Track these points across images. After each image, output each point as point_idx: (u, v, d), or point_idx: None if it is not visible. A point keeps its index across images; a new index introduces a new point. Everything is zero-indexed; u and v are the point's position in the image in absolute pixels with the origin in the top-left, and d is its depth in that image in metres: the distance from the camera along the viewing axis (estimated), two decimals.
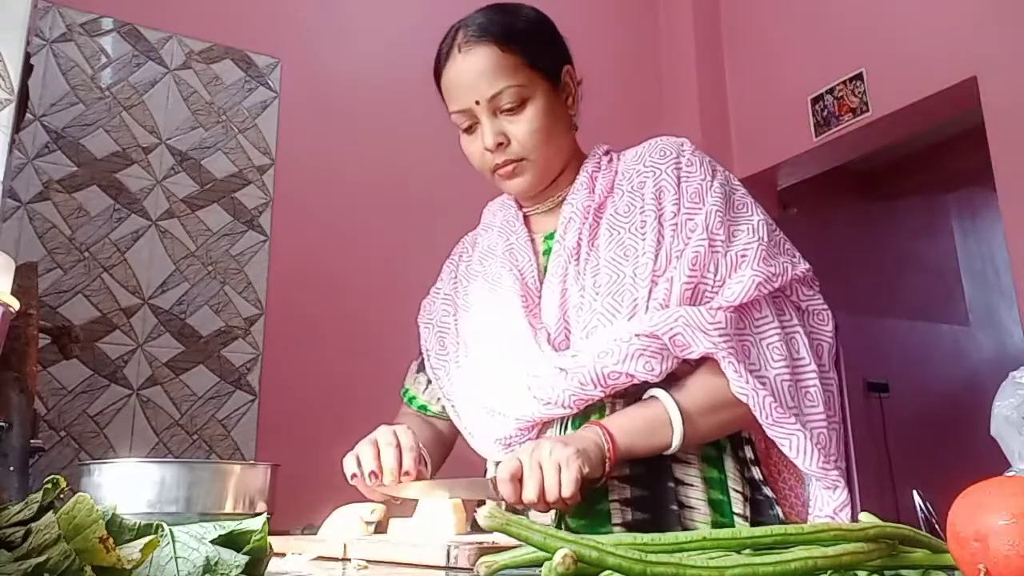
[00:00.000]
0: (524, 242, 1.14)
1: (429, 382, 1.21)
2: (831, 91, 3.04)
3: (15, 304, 0.60)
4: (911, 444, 4.71)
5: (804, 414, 0.98)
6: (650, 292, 1.00)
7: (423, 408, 1.23)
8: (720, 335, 0.95)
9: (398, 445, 0.95)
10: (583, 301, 1.03)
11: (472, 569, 0.61)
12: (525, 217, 1.18)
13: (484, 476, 1.19)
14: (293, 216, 2.56)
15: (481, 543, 0.65)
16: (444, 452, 1.19)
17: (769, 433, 0.97)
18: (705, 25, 3.49)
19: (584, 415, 1.02)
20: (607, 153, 1.15)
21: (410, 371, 1.28)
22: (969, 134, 2.83)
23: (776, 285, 1.01)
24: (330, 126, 2.69)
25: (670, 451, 0.95)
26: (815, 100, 3.10)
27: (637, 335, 0.96)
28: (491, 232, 1.20)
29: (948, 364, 5.23)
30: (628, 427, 0.93)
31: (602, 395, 0.99)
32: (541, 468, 0.85)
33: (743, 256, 1.01)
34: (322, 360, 2.48)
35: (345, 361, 2.51)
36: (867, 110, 2.91)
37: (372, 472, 0.94)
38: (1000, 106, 2.53)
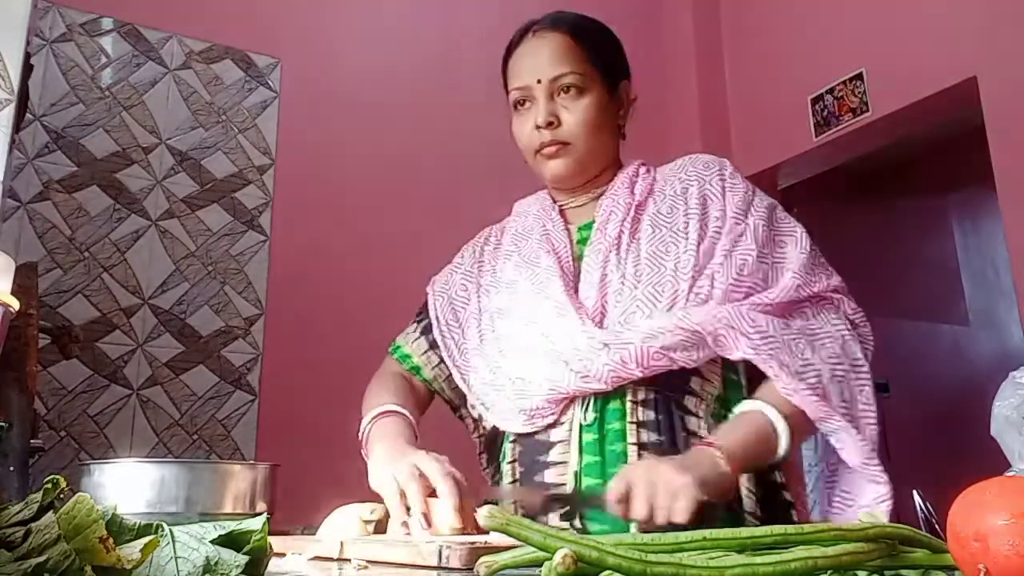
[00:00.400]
0: (560, 229, 1.18)
1: (431, 347, 1.23)
2: (831, 91, 3.04)
3: (15, 304, 0.60)
4: (911, 444, 4.71)
5: (857, 411, 1.02)
6: (690, 286, 1.04)
7: (415, 369, 1.24)
8: (761, 338, 1.00)
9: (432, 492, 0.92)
10: (623, 288, 1.06)
11: (464, 569, 0.61)
12: (560, 209, 1.22)
13: (485, 464, 1.19)
14: (293, 216, 2.56)
15: (473, 543, 0.65)
16: (419, 416, 1.19)
17: (820, 428, 1.01)
18: (705, 25, 3.49)
19: (605, 396, 1.04)
20: (643, 165, 1.21)
21: (407, 331, 1.29)
22: (969, 134, 2.83)
23: (814, 290, 1.06)
24: (330, 126, 2.69)
25: (777, 460, 0.99)
26: (815, 100, 3.10)
27: (681, 328, 1.00)
28: (526, 218, 1.24)
29: (948, 364, 5.23)
30: (743, 442, 0.95)
31: (640, 375, 1.01)
32: (655, 489, 0.85)
33: (787, 265, 1.08)
34: (322, 360, 2.48)
35: (345, 361, 2.51)
36: (867, 110, 2.91)
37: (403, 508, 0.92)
38: (1000, 106, 2.53)
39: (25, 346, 1.02)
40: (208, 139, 2.50)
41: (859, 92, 2.93)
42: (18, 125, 1.28)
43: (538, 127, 1.11)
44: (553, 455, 1.05)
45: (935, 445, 4.54)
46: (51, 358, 2.00)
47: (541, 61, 1.11)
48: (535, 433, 1.07)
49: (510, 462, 1.10)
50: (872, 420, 1.03)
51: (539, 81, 1.10)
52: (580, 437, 1.03)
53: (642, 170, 1.18)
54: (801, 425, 0.99)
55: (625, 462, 0.99)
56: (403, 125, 2.78)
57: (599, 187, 1.18)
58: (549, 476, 1.04)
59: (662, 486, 0.85)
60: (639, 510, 0.85)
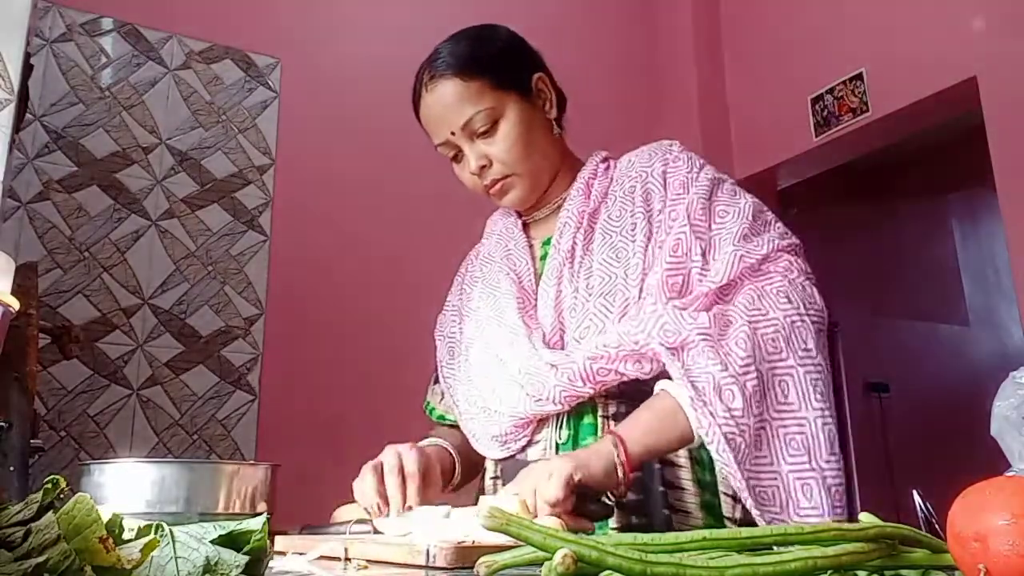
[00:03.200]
0: (522, 247, 1.17)
1: (443, 393, 1.24)
2: (831, 91, 3.04)
3: (15, 304, 0.60)
4: (911, 444, 4.71)
5: (770, 412, 0.94)
6: (640, 290, 1.02)
7: (441, 418, 1.26)
8: (700, 334, 0.94)
9: (401, 471, 0.95)
10: (576, 302, 1.05)
11: (462, 568, 0.61)
12: (524, 224, 1.21)
13: (482, 479, 1.20)
14: (293, 216, 2.56)
15: (461, 543, 0.66)
16: (477, 457, 1.19)
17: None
18: (705, 25, 3.49)
19: (577, 414, 1.04)
20: (605, 160, 1.17)
21: (429, 384, 1.31)
22: (969, 134, 2.83)
23: (759, 255, 1.00)
24: (330, 126, 2.69)
25: (695, 441, 0.93)
26: (815, 100, 3.10)
27: (623, 343, 0.97)
28: (491, 239, 1.25)
29: (948, 364, 5.23)
30: (641, 427, 0.92)
31: (592, 392, 1.01)
32: (534, 474, 0.85)
33: (726, 236, 1.01)
34: (322, 360, 2.48)
35: (345, 361, 2.51)
36: (867, 110, 2.91)
37: (377, 505, 0.94)
38: (1000, 106, 2.53)
39: (25, 346, 1.02)
40: (208, 139, 2.50)
41: (859, 92, 2.93)
42: (18, 125, 1.28)
43: (473, 173, 1.10)
44: (532, 453, 1.06)
45: (935, 445, 4.54)
46: (51, 358, 2.00)
47: (444, 113, 1.08)
48: (513, 455, 1.08)
49: (492, 478, 1.12)
50: (791, 418, 0.94)
51: (453, 133, 1.08)
52: (557, 455, 1.03)
53: (601, 168, 1.15)
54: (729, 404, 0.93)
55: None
56: (403, 124, 2.76)
57: (558, 194, 1.16)
58: None
59: (538, 469, 0.85)
60: (548, 520, 0.82)
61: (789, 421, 0.93)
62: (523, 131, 1.08)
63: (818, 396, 0.94)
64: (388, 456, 0.98)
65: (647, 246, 1.04)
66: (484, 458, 1.19)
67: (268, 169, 2.57)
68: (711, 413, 0.89)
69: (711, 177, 1.07)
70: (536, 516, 0.83)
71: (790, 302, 0.97)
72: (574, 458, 0.86)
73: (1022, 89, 2.47)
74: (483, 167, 1.09)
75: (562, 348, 1.05)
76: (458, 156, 1.11)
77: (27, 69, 1.28)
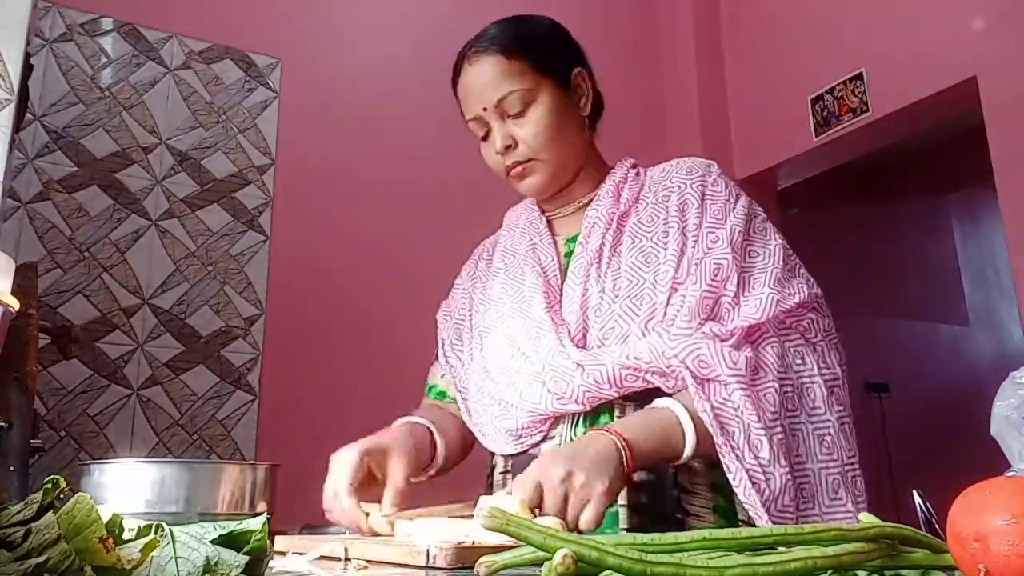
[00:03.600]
0: (547, 243, 1.17)
1: (444, 373, 1.25)
2: (831, 91, 3.04)
3: (15, 304, 0.60)
4: (911, 444, 4.71)
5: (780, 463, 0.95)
6: (669, 298, 1.02)
7: (441, 394, 1.26)
8: (734, 375, 0.95)
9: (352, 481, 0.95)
10: (602, 303, 1.05)
11: (461, 568, 0.61)
12: (548, 221, 1.21)
13: (489, 474, 1.19)
14: (293, 216, 2.56)
15: (461, 543, 0.66)
16: (468, 435, 1.19)
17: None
18: (705, 25, 3.49)
19: (595, 412, 1.04)
20: (634, 167, 1.18)
21: (432, 364, 1.32)
22: (969, 134, 2.83)
23: (792, 304, 1.02)
24: (330, 126, 2.69)
25: (679, 462, 0.94)
26: (815, 100, 3.10)
27: (654, 357, 0.98)
28: (514, 232, 1.24)
29: (948, 364, 5.23)
30: (645, 437, 0.92)
31: (616, 395, 1.01)
32: (565, 499, 0.83)
33: (760, 275, 1.03)
34: (322, 360, 2.48)
35: (345, 361, 2.51)
36: (867, 110, 2.91)
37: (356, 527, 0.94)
38: (1000, 106, 2.53)
39: (25, 346, 1.02)
40: (208, 139, 2.50)
41: (859, 92, 2.93)
42: (18, 125, 1.28)
43: (498, 153, 1.10)
44: None
45: (935, 445, 4.54)
46: (51, 358, 2.00)
47: (481, 88, 1.09)
48: (526, 450, 1.08)
49: (502, 472, 1.11)
50: (828, 466, 0.98)
51: (485, 109, 1.09)
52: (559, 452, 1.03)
53: (631, 175, 1.16)
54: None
55: None
56: (403, 124, 2.78)
57: (584, 193, 1.17)
58: None
59: (574, 495, 0.83)
60: (548, 520, 0.81)
61: (798, 472, 0.97)
62: (554, 119, 1.09)
63: (824, 449, 0.99)
64: (328, 484, 0.97)
65: (680, 257, 1.04)
66: (472, 438, 1.18)
67: (268, 169, 2.57)
68: (739, 459, 0.92)
69: (747, 211, 1.08)
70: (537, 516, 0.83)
71: (804, 363, 1.02)
72: (609, 489, 0.84)
73: (1022, 89, 2.47)
74: (508, 147, 1.09)
75: (584, 347, 1.05)
76: (487, 135, 1.12)
77: (27, 69, 1.29)
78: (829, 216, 4.94)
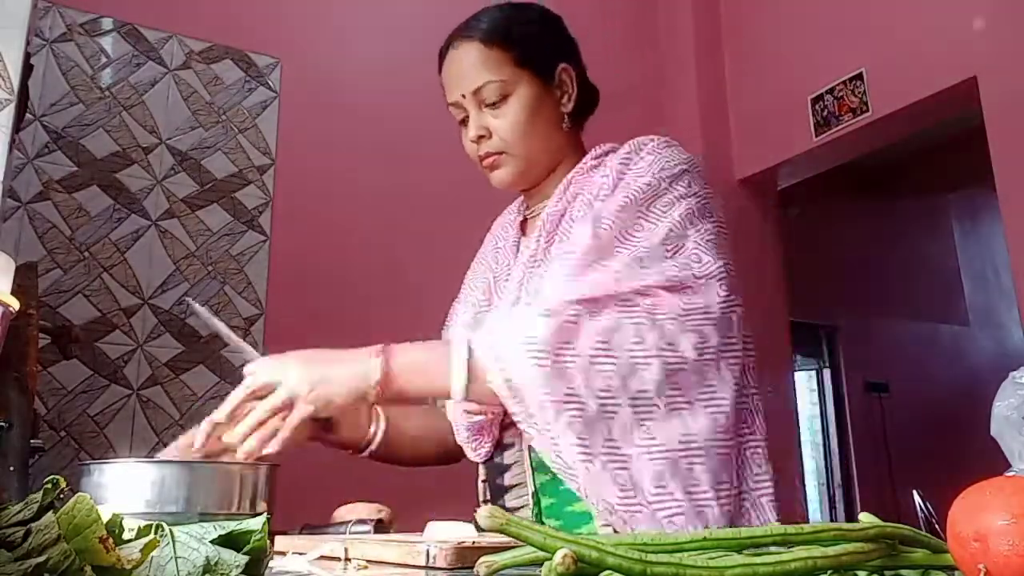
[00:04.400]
0: (510, 246, 1.16)
1: None
2: (831, 91, 3.04)
3: (15, 304, 0.60)
4: (911, 444, 4.72)
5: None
6: None
7: None
8: (529, 351, 0.88)
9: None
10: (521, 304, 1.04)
11: (460, 568, 0.61)
12: (525, 220, 1.19)
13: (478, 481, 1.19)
14: (293, 216, 2.56)
15: (461, 543, 0.66)
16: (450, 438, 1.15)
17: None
18: (705, 25, 3.49)
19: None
20: (600, 156, 1.12)
21: None
22: (969, 134, 2.83)
23: (632, 286, 0.93)
24: (330, 126, 2.69)
25: (455, 398, 0.90)
26: (815, 100, 3.10)
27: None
28: (489, 238, 1.25)
29: (948, 364, 5.24)
30: (413, 367, 0.91)
31: (482, 408, 1.01)
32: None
33: (621, 251, 0.96)
34: None
35: None
36: (867, 110, 2.91)
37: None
38: (1000, 106, 2.53)
39: (25, 346, 1.02)
40: (208, 139, 2.50)
41: (859, 92, 2.93)
42: (18, 125, 1.28)
43: (472, 141, 1.09)
44: (508, 478, 1.04)
45: (935, 445, 4.55)
46: (51, 358, 2.00)
47: (460, 75, 1.08)
48: (494, 456, 1.07)
49: (482, 481, 1.11)
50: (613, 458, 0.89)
51: (464, 96, 1.07)
52: (530, 458, 1.01)
53: (589, 165, 1.10)
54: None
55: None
56: (403, 124, 2.77)
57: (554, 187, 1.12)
58: (510, 500, 1.03)
59: (268, 402, 0.87)
60: (234, 436, 0.87)
61: (612, 457, 0.90)
62: (529, 114, 1.06)
63: (644, 434, 0.90)
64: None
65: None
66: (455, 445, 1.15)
67: (268, 169, 2.57)
68: (534, 425, 0.89)
69: (654, 186, 0.99)
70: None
71: (642, 342, 0.91)
72: (317, 397, 0.87)
73: (1022, 89, 2.47)
74: (481, 137, 1.08)
75: None
76: (465, 120, 1.10)
77: (27, 69, 1.28)
78: (829, 216, 4.95)
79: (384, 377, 0.89)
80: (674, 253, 0.96)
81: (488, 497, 1.08)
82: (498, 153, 1.08)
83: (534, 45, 1.09)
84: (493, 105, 1.06)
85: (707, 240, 0.98)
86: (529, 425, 0.89)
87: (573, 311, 0.90)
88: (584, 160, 1.11)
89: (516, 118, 1.06)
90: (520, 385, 0.87)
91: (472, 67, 1.06)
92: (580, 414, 0.88)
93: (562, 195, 1.08)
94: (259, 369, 0.90)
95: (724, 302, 0.96)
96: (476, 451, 1.07)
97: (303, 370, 0.89)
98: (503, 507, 1.02)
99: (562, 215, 1.06)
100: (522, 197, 1.22)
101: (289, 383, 0.88)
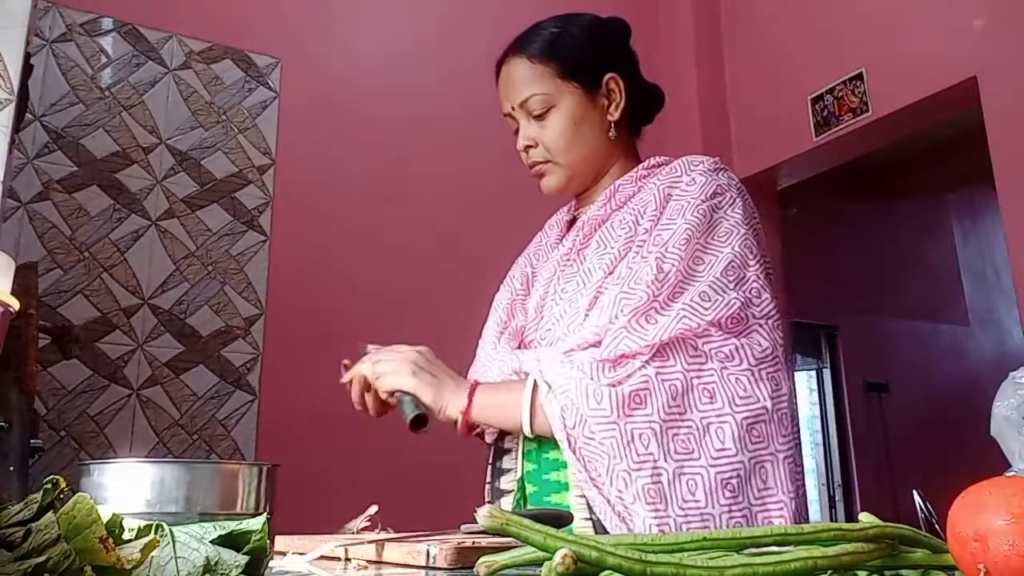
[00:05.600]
0: (552, 243, 1.21)
1: None
2: (831, 91, 3.04)
3: (15, 304, 0.60)
4: (911, 444, 4.72)
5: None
6: (592, 302, 1.02)
7: None
8: (598, 420, 0.91)
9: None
10: (549, 304, 1.10)
11: (460, 569, 0.61)
12: (573, 220, 1.22)
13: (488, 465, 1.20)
14: (293, 216, 2.56)
15: (461, 543, 0.66)
16: None
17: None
18: (705, 25, 3.49)
19: None
20: (651, 167, 1.14)
21: None
22: (969, 134, 2.83)
23: (703, 321, 0.94)
24: (330, 126, 2.69)
25: (527, 435, 0.98)
26: (815, 100, 3.10)
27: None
28: (542, 231, 1.30)
29: (948, 364, 5.24)
30: (493, 400, 1.00)
31: None
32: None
33: (689, 286, 0.96)
34: (322, 360, 2.48)
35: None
36: (867, 110, 2.91)
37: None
38: (1000, 106, 2.53)
39: (25, 346, 1.02)
40: (208, 139, 2.50)
41: (859, 92, 2.93)
42: (18, 125, 1.28)
43: (520, 150, 1.14)
44: (506, 462, 1.09)
45: (935, 445, 4.55)
46: (51, 358, 2.00)
47: (508, 88, 1.13)
48: (498, 440, 1.12)
49: (489, 463, 1.15)
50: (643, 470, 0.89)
51: (513, 108, 1.13)
52: (523, 445, 1.06)
53: (639, 175, 1.12)
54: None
55: (558, 469, 0.99)
56: (403, 124, 2.78)
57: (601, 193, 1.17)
58: (504, 483, 1.09)
59: (390, 357, 1.03)
60: (364, 368, 1.05)
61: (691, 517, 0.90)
62: (571, 124, 1.10)
63: (729, 492, 0.91)
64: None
65: (617, 261, 1.02)
66: None
67: (268, 169, 2.57)
68: (598, 490, 0.91)
69: (711, 212, 1.00)
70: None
71: (713, 402, 0.93)
72: (429, 380, 1.00)
73: (1022, 89, 2.47)
74: (529, 147, 1.13)
75: (523, 347, 1.10)
76: (518, 129, 1.16)
77: (27, 69, 1.28)
78: (829, 216, 4.95)
79: (467, 409, 0.99)
80: (736, 285, 0.98)
81: (489, 479, 1.13)
82: (544, 162, 1.13)
83: (578, 57, 1.13)
84: (539, 116, 1.11)
85: (765, 275, 1.01)
86: (596, 492, 0.92)
87: (642, 375, 0.92)
88: (635, 169, 1.14)
89: (560, 129, 1.11)
90: (589, 456, 0.92)
91: (519, 80, 1.12)
92: (655, 480, 0.89)
93: (606, 202, 1.11)
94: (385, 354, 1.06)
95: (781, 343, 1.00)
96: (490, 433, 1.13)
97: (422, 372, 1.01)
98: (498, 488, 1.08)
99: (603, 221, 1.10)
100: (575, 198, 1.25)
101: (403, 371, 1.01)
